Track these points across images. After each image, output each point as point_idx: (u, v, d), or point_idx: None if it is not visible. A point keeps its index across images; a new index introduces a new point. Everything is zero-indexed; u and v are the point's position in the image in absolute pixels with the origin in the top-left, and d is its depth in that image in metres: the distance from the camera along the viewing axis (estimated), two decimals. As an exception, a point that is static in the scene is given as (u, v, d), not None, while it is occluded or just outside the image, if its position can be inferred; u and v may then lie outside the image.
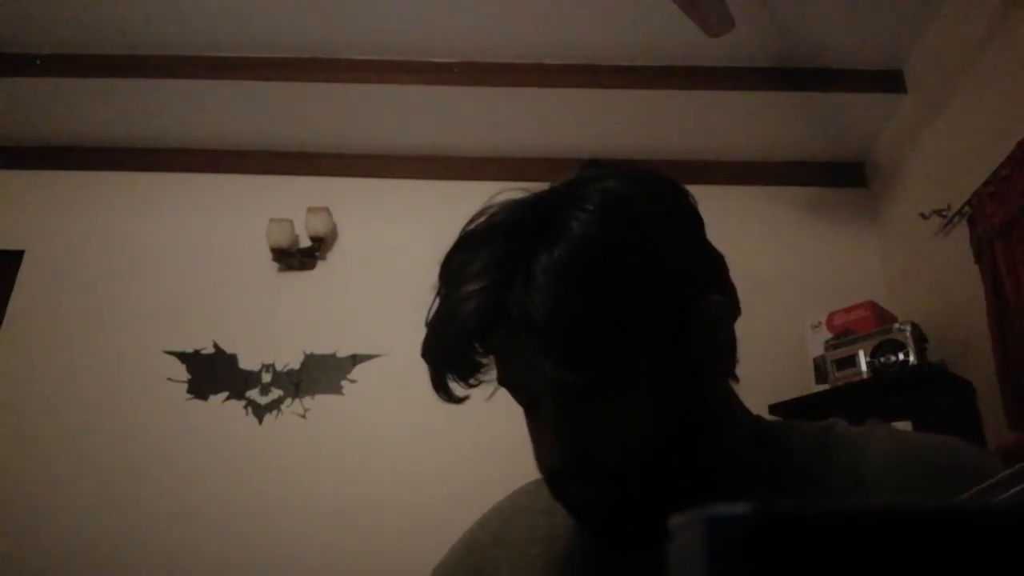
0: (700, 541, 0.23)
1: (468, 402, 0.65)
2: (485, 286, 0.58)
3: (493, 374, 0.64)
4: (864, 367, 2.51)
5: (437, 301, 0.63)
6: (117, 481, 2.69)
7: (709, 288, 0.63)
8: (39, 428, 2.76)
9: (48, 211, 3.12)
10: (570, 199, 0.59)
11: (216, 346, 2.91)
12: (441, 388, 0.64)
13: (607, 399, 0.58)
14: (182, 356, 2.89)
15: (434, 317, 0.63)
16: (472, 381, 0.63)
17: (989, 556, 0.23)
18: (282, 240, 2.99)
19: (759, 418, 0.69)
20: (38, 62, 2.83)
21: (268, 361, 2.89)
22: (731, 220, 3.03)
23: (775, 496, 0.60)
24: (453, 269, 0.61)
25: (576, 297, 0.55)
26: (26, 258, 3.04)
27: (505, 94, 2.87)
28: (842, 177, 3.22)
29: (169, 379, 2.86)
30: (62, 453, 2.73)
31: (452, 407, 0.70)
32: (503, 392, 0.68)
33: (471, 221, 0.63)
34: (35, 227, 3.09)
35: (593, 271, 0.56)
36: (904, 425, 2.04)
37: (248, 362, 2.89)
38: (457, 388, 0.64)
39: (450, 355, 0.62)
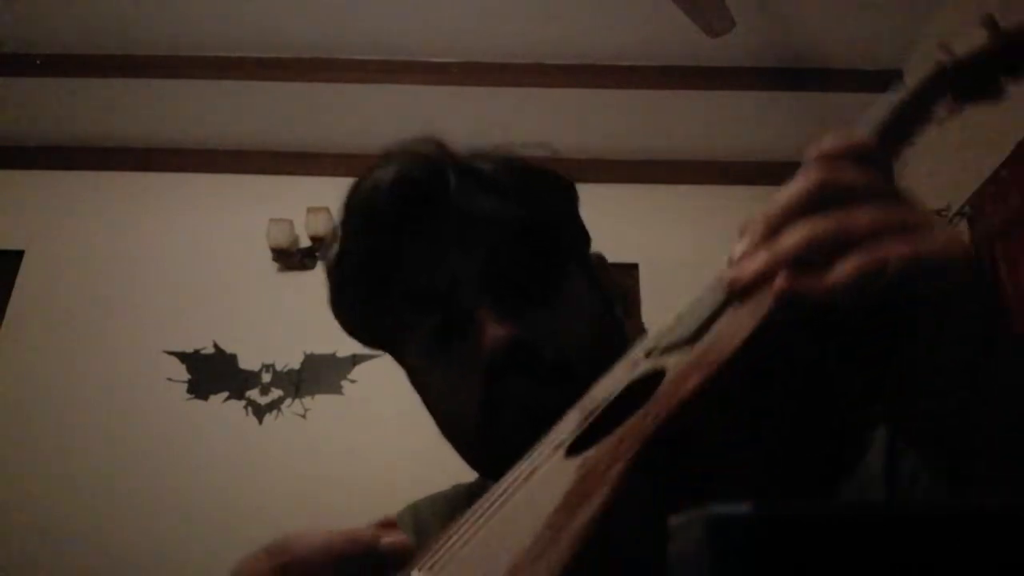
0: (700, 541, 0.23)
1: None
2: (414, 162, 0.62)
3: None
4: (864, 367, 2.51)
5: (349, 220, 0.64)
6: (117, 481, 2.69)
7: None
8: (39, 428, 2.76)
9: (48, 211, 3.12)
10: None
11: (216, 346, 2.91)
12: (355, 302, 0.64)
13: (545, 295, 0.60)
14: (182, 356, 2.89)
15: (352, 214, 0.63)
16: (387, 311, 0.62)
17: (990, 556, 0.23)
18: (282, 240, 2.99)
19: None
20: (38, 62, 2.83)
21: (268, 361, 2.89)
22: (731, 220, 3.02)
23: None
24: (364, 189, 0.62)
25: (518, 162, 0.62)
26: (26, 258, 3.04)
27: (505, 94, 2.87)
28: (842, 177, 3.22)
29: (169, 379, 2.86)
30: (62, 453, 2.73)
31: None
32: None
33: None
34: (35, 227, 3.09)
35: (522, 170, 0.63)
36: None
37: (248, 362, 2.89)
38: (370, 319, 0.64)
39: (377, 246, 0.61)
